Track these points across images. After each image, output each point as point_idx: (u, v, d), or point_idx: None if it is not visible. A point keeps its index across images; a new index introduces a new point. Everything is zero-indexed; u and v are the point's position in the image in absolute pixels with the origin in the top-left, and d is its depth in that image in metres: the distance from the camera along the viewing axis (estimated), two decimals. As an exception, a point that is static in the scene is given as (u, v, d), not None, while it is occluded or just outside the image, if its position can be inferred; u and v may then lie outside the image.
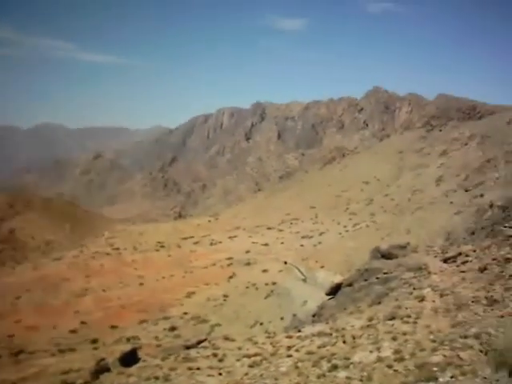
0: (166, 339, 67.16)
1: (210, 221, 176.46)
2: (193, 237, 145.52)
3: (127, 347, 48.76)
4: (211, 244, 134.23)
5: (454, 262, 42.62)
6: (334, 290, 57.11)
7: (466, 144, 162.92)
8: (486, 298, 30.26)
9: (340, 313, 42.35)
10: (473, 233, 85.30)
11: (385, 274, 47.06)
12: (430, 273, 41.50)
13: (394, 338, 27.00)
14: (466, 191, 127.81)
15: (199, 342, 41.17)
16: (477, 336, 24.09)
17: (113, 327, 75.35)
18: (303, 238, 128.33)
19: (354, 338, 29.08)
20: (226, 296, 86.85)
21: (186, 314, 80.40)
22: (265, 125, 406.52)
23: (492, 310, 27.94)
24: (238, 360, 30.08)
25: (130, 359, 40.59)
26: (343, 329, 31.86)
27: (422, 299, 34.04)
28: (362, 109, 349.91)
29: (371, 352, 25.73)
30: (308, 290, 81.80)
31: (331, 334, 31.09)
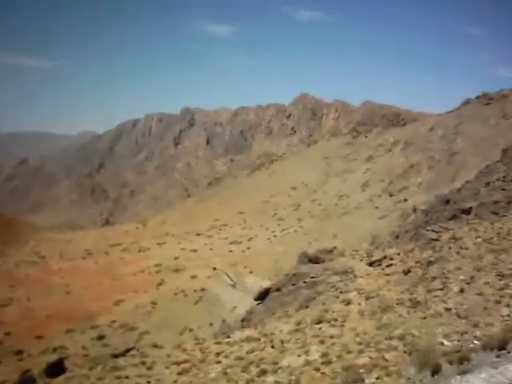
0: (93, 348, 65.90)
1: (138, 227, 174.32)
2: (121, 244, 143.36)
3: (53, 358, 47.62)
4: (140, 251, 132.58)
5: (379, 265, 43.56)
6: (263, 295, 57.39)
7: (390, 150, 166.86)
8: (410, 299, 31.05)
9: (268, 318, 42.57)
10: (397, 236, 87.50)
11: (312, 278, 47.61)
12: (355, 276, 42.25)
13: (322, 342, 27.34)
14: (391, 196, 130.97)
15: (127, 351, 40.56)
16: (401, 337, 24.68)
17: (38, 338, 73.28)
18: (232, 243, 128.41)
19: (282, 342, 29.28)
20: (154, 303, 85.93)
21: (114, 322, 79.10)
22: (194, 130, 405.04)
23: (415, 311, 28.68)
24: (167, 367, 29.83)
25: (56, 370, 39.61)
26: (272, 333, 32.04)
27: (348, 302, 34.62)
28: (289, 115, 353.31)
29: (299, 356, 25.97)
30: (237, 296, 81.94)
31: (260, 339, 31.22)
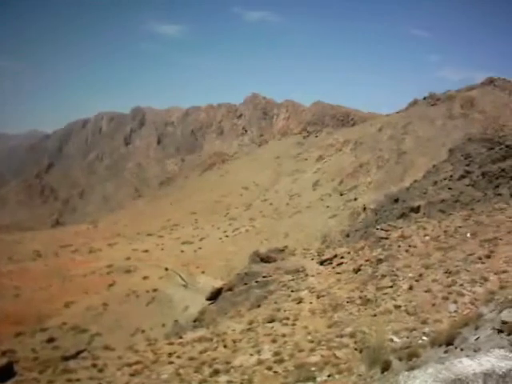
0: (43, 351, 64.75)
1: (89, 228, 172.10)
2: (71, 245, 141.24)
3: (2, 361, 46.60)
4: (90, 252, 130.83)
5: (330, 263, 44.05)
6: (215, 295, 57.38)
7: (340, 150, 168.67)
8: (360, 297, 31.51)
9: (221, 317, 42.61)
10: (347, 235, 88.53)
11: (264, 277, 47.82)
12: (307, 275, 42.63)
13: (274, 341, 27.51)
14: (341, 195, 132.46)
15: (78, 353, 40.02)
16: (352, 335, 25.03)
17: (-15, 342, 71.76)
18: (184, 243, 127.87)
19: (234, 342, 29.36)
20: (106, 304, 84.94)
21: (64, 324, 77.86)
22: (144, 130, 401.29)
23: (366, 309, 29.12)
24: (118, 369, 29.55)
25: (4, 374, 38.78)
26: (224, 333, 32.09)
27: (299, 301, 34.92)
28: (240, 115, 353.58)
29: (251, 355, 26.08)
30: (189, 296, 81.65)
31: (212, 339, 31.23)
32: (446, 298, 26.46)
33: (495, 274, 27.97)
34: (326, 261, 45.06)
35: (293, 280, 42.79)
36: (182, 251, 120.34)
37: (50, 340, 70.26)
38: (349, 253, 44.71)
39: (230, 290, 53.60)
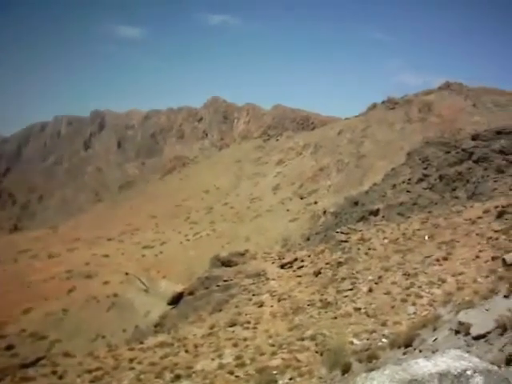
0: (1, 359, 63.62)
1: (48, 233, 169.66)
2: (30, 250, 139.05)
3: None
4: (50, 257, 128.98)
5: (291, 267, 44.30)
6: (176, 300, 57.23)
7: (300, 153, 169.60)
8: (321, 300, 31.78)
9: (182, 322, 42.47)
10: (308, 238, 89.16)
11: (225, 281, 47.86)
12: (268, 279, 42.79)
13: (235, 345, 27.57)
14: (301, 199, 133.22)
15: (38, 360, 39.49)
16: (312, 338, 25.24)
17: None
18: (144, 248, 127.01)
19: (196, 346, 29.32)
20: (65, 310, 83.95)
21: (23, 331, 76.74)
22: (104, 133, 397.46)
23: (326, 312, 29.39)
24: (78, 376, 29.23)
25: (-40, 383, 38.13)
26: (185, 338, 32.01)
27: (260, 305, 35.04)
28: (201, 118, 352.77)
29: (213, 359, 26.10)
30: (150, 301, 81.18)
31: (173, 344, 31.13)
32: (404, 300, 26.87)
33: (452, 275, 28.50)
34: (286, 264, 45.30)
35: (254, 284, 42.90)
36: (143, 256, 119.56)
37: (9, 347, 69.24)
38: (309, 256, 45.04)
39: (191, 294, 53.52)
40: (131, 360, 29.79)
